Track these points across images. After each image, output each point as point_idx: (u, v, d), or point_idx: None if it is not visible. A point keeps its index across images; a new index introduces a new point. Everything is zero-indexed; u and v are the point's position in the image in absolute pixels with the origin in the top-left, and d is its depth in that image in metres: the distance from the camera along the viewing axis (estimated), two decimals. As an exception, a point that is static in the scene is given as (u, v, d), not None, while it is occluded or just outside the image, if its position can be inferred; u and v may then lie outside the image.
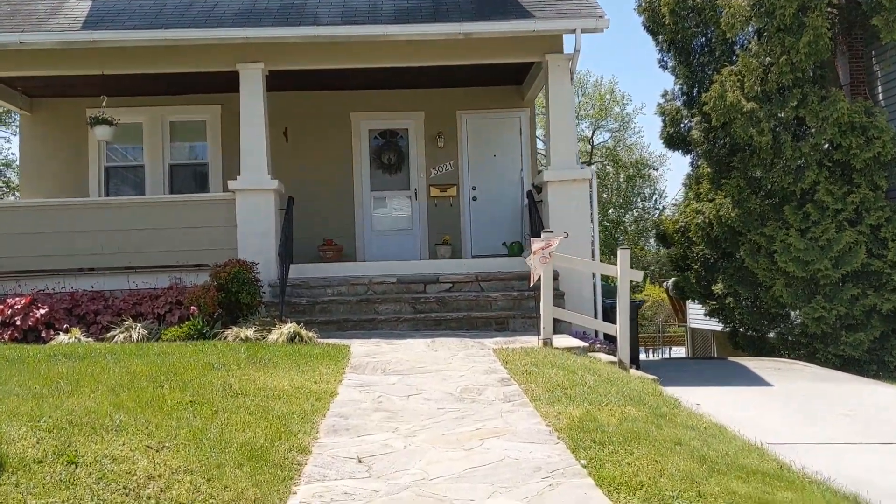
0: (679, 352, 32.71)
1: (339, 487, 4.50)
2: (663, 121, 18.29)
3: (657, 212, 43.36)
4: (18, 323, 10.21)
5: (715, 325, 19.51)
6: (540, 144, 24.91)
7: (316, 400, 6.36)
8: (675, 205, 26.85)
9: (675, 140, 18.15)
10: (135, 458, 4.51)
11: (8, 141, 39.28)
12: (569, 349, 9.22)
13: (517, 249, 13.75)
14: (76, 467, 4.30)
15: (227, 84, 12.83)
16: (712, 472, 4.63)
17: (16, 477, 4.11)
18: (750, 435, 6.11)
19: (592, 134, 43.67)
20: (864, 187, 13.41)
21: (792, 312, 14.75)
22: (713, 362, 16.14)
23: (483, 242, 14.84)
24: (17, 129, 16.44)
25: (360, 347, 9.22)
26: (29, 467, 4.24)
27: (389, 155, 15.17)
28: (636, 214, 44.43)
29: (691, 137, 16.94)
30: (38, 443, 4.61)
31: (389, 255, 14.18)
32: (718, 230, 15.44)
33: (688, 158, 18.82)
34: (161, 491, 4.13)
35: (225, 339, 9.61)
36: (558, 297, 10.97)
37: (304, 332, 9.58)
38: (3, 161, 36.25)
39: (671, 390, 7.79)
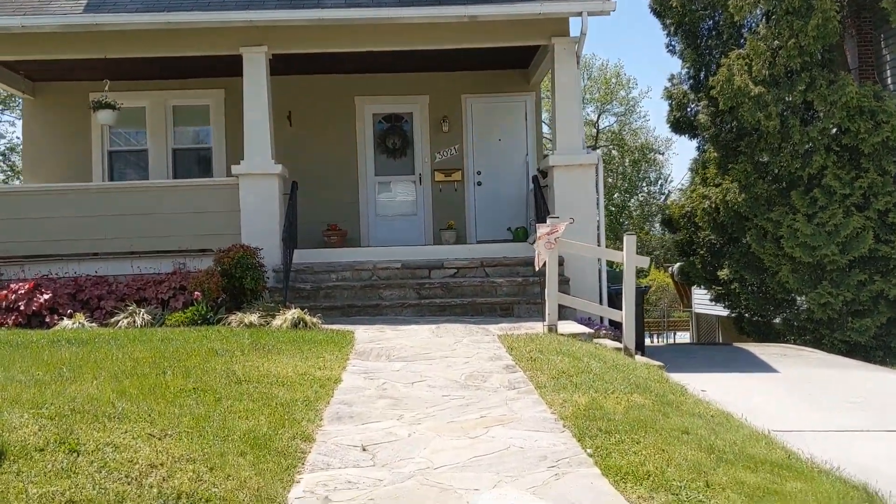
0: (683, 337, 32.69)
1: (342, 476, 4.46)
2: (670, 105, 18.15)
3: (662, 196, 43.24)
4: (22, 308, 10.20)
5: (720, 311, 19.44)
6: (545, 129, 24.74)
7: (320, 387, 6.32)
8: (681, 190, 26.73)
9: (681, 124, 18.01)
10: (137, 447, 4.47)
11: (12, 124, 39.28)
12: (574, 335, 9.17)
13: (522, 235, 13.66)
14: (78, 455, 4.26)
15: (230, 68, 12.75)
16: (720, 461, 4.58)
17: (17, 465, 4.07)
18: (757, 422, 6.05)
19: (598, 118, 43.48)
20: (872, 172, 13.29)
21: (798, 298, 14.68)
22: (719, 348, 16.08)
23: (488, 228, 14.76)
24: (21, 114, 16.34)
25: (364, 333, 9.18)
26: (30, 455, 4.21)
27: (394, 139, 15.08)
28: (641, 199, 44.30)
29: (698, 121, 16.80)
30: (39, 430, 4.57)
31: (394, 241, 14.11)
32: (725, 215, 15.34)
33: (694, 143, 18.75)
34: (163, 480, 4.09)
35: (229, 324, 9.59)
36: (563, 283, 10.91)
37: (308, 317, 9.55)
38: (8, 145, 36.23)
39: (677, 377, 7.74)
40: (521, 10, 11.84)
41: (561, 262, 10.96)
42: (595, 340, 9.35)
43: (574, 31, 12.25)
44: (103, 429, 4.71)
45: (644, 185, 44.58)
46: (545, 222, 9.66)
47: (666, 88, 18.36)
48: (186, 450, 4.51)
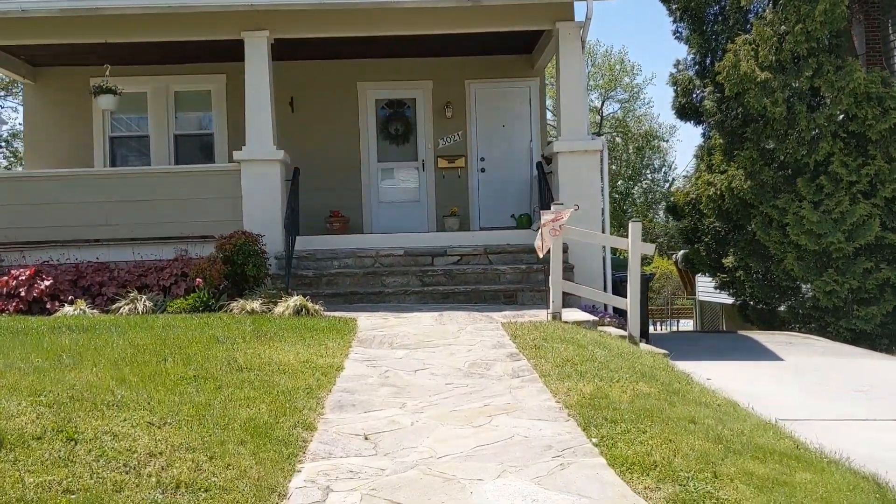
0: (687, 324, 32.62)
1: (344, 465, 4.40)
2: (675, 91, 18.01)
3: (666, 183, 43.10)
4: (23, 294, 10.14)
5: (724, 298, 19.37)
6: (549, 116, 24.61)
7: (322, 375, 6.26)
8: (686, 177, 26.63)
9: (687, 110, 17.88)
10: (136, 435, 4.41)
11: (15, 110, 39.18)
12: (578, 323, 9.10)
13: (526, 222, 13.58)
14: (75, 444, 4.20)
15: (232, 53, 12.62)
16: (728, 451, 4.51)
17: (14, 454, 4.01)
18: (763, 411, 5.98)
19: (602, 104, 43.27)
20: (879, 159, 13.19)
21: (803, 286, 14.60)
22: (723, 336, 16.01)
23: (491, 214, 14.66)
24: (22, 99, 16.25)
25: (366, 321, 9.11)
26: (27, 444, 4.15)
27: (397, 125, 14.97)
28: (645, 186, 44.13)
29: (704, 108, 16.66)
30: (37, 418, 4.52)
31: (397, 227, 14.02)
32: (730, 202, 15.24)
33: (700, 129, 18.65)
34: (162, 469, 4.03)
35: (230, 311, 9.52)
36: (567, 271, 10.82)
37: (310, 304, 9.48)
38: (11, 132, 36.15)
39: (682, 365, 7.66)
40: (525, -6, 11.70)
41: (565, 250, 10.86)
42: (599, 328, 9.28)
43: (579, 15, 12.13)
44: (102, 417, 4.65)
45: (648, 172, 44.42)
46: (549, 209, 9.57)
47: (671, 74, 18.22)
48: (186, 438, 4.45)
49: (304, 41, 12.85)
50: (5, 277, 10.31)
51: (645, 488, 4.03)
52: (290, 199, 11.82)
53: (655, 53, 65.80)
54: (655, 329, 29.86)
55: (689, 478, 4.09)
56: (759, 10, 15.20)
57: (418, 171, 14.90)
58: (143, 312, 9.62)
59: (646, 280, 12.44)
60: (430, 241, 12.36)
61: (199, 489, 3.87)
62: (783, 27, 13.45)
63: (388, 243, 12.15)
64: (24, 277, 10.26)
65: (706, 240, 17.17)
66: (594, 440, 4.70)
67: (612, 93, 43.87)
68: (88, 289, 10.50)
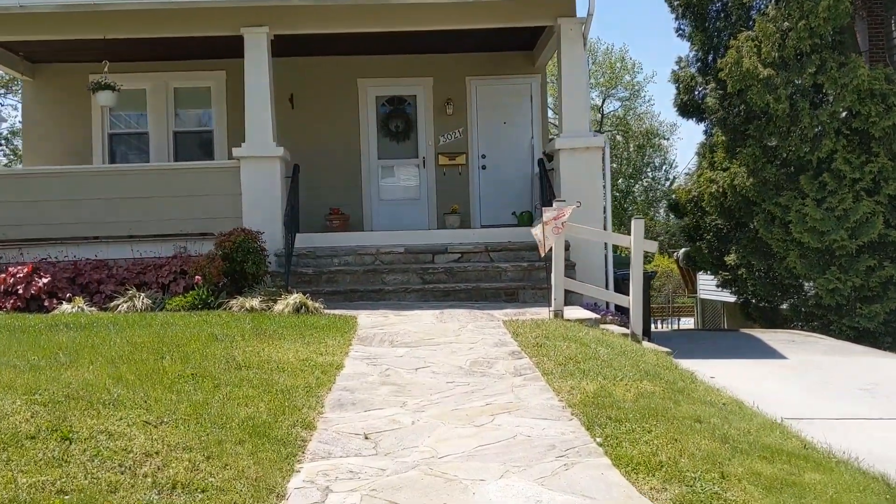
0: (688, 322, 32.55)
1: (344, 465, 4.32)
2: (677, 88, 17.89)
3: (667, 182, 43.03)
4: (21, 292, 10.07)
5: (725, 297, 19.29)
6: (551, 115, 24.52)
7: (321, 373, 6.18)
8: (687, 174, 26.54)
9: (689, 107, 17.76)
10: (132, 434, 4.33)
11: (16, 108, 39.10)
12: (580, 321, 9.02)
13: (527, 219, 13.50)
14: (70, 443, 4.13)
15: (232, 49, 12.54)
16: (735, 451, 4.43)
17: (7, 453, 3.94)
18: (768, 410, 5.91)
19: (602, 102, 43.18)
20: (882, 156, 13.09)
21: (806, 284, 14.50)
22: (726, 334, 15.92)
23: (492, 212, 14.58)
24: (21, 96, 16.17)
25: (367, 318, 9.04)
26: (21, 443, 4.08)
27: (397, 122, 14.89)
28: (646, 184, 44.05)
29: (706, 105, 16.55)
30: (32, 417, 4.45)
31: (397, 225, 13.94)
32: (732, 200, 15.14)
33: (701, 126, 18.42)
34: (158, 469, 3.96)
35: (230, 309, 9.45)
36: (569, 268, 10.75)
37: (310, 302, 9.41)
38: (11, 129, 36.07)
39: (685, 363, 7.60)
40: (526, -10, 11.63)
41: (567, 247, 10.79)
42: (602, 326, 9.20)
43: (581, 11, 12.03)
44: (98, 416, 4.58)
45: (648, 170, 44.35)
46: (551, 206, 9.49)
47: (673, 71, 18.09)
48: (183, 438, 4.38)
49: (305, 37, 12.77)
50: (3, 275, 10.24)
51: (651, 489, 3.95)
52: (290, 196, 11.74)
53: (656, 51, 65.72)
54: (657, 327, 29.80)
55: (695, 478, 4.01)
56: (762, 6, 15.09)
57: (419, 168, 14.82)
58: (141, 310, 9.55)
59: (648, 278, 12.39)
60: (431, 238, 12.29)
61: (196, 490, 3.80)
62: (786, 23, 13.35)
63: (388, 241, 12.08)
64: (21, 275, 10.19)
65: (708, 237, 17.07)
66: (598, 440, 4.63)
67: (613, 91, 43.79)
68: (87, 286, 10.43)
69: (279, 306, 9.32)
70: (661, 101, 63.63)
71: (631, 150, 43.49)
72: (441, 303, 10.57)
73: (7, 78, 31.97)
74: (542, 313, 9.33)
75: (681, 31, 17.57)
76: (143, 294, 9.90)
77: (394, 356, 7.08)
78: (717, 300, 22.49)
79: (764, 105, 13.49)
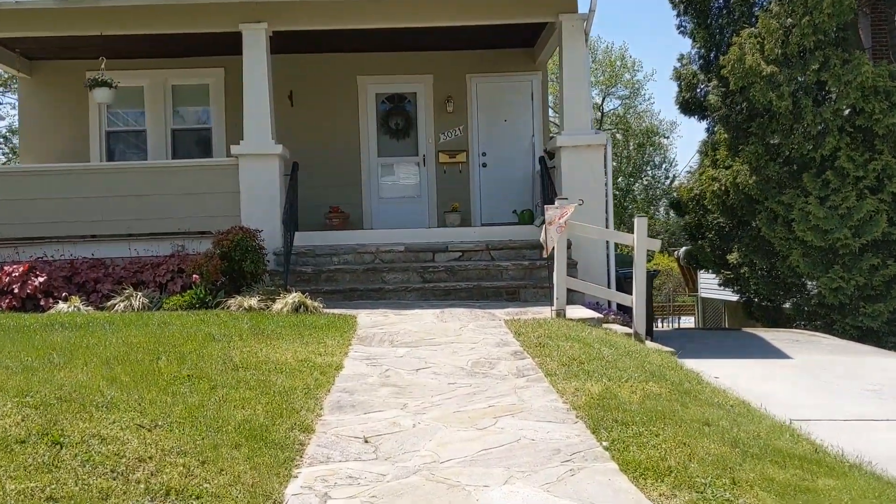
0: (688, 321, 32.44)
1: (343, 470, 4.20)
2: (679, 85, 17.78)
3: (667, 180, 42.91)
4: (16, 291, 9.96)
5: (726, 295, 19.18)
6: (551, 113, 24.37)
7: (320, 374, 6.06)
8: (689, 172, 26.40)
9: (691, 105, 17.66)
10: (125, 438, 4.21)
11: (14, 107, 38.94)
12: (583, 320, 8.90)
13: (528, 217, 13.38)
14: (61, 448, 4.01)
15: (230, 46, 12.41)
16: (745, 456, 4.30)
17: (-5, 458, 3.82)
18: (775, 411, 5.80)
19: (602, 101, 43.03)
20: (886, 154, 13.00)
21: (809, 282, 14.40)
22: (728, 333, 15.80)
23: (493, 210, 14.46)
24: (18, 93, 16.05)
25: (366, 318, 8.92)
26: (10, 448, 3.96)
27: (397, 120, 14.76)
28: (646, 182, 43.92)
29: (708, 102, 16.45)
30: (22, 420, 4.33)
31: (397, 223, 13.81)
32: (735, 198, 15.03)
33: (704, 124, 18.33)
34: (151, 475, 3.83)
35: (228, 308, 9.33)
36: (571, 267, 10.62)
37: (309, 301, 9.29)
38: (9, 128, 35.94)
39: (689, 363, 7.47)
40: (528, -15, 11.50)
41: (569, 246, 10.67)
42: (604, 325, 9.08)
43: (583, 7, 11.90)
44: (90, 419, 4.45)
45: (648, 168, 44.22)
46: (553, 204, 9.36)
47: (675, 69, 17.99)
48: (177, 442, 4.25)
49: (304, 34, 12.64)
50: (-2, 274, 10.12)
51: (660, 496, 3.82)
52: (289, 194, 11.62)
53: (656, 48, 65.56)
54: (657, 326, 29.66)
55: (706, 484, 3.88)
56: (765, 2, 14.98)
57: (419, 166, 14.70)
58: (138, 309, 9.43)
59: (650, 277, 12.27)
60: (431, 236, 12.17)
61: (190, 496, 3.67)
62: (790, 20, 13.24)
63: (388, 239, 11.97)
64: (17, 274, 10.07)
65: (710, 236, 16.97)
66: (605, 444, 4.50)
67: (613, 89, 43.65)
68: (83, 285, 10.32)
69: (278, 305, 9.20)
70: (661, 99, 63.44)
71: (631, 148, 43.37)
72: (442, 302, 10.45)
73: (6, 76, 31.82)
74: (544, 312, 9.21)
75: (682, 28, 17.47)
76: (140, 293, 9.77)
77: (394, 356, 6.96)
78: (719, 299, 22.38)
79: (767, 102, 13.39)
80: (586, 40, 12.05)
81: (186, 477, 3.85)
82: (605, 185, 11.99)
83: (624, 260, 12.84)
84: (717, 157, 16.35)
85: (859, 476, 4.26)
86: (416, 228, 13.04)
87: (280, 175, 11.76)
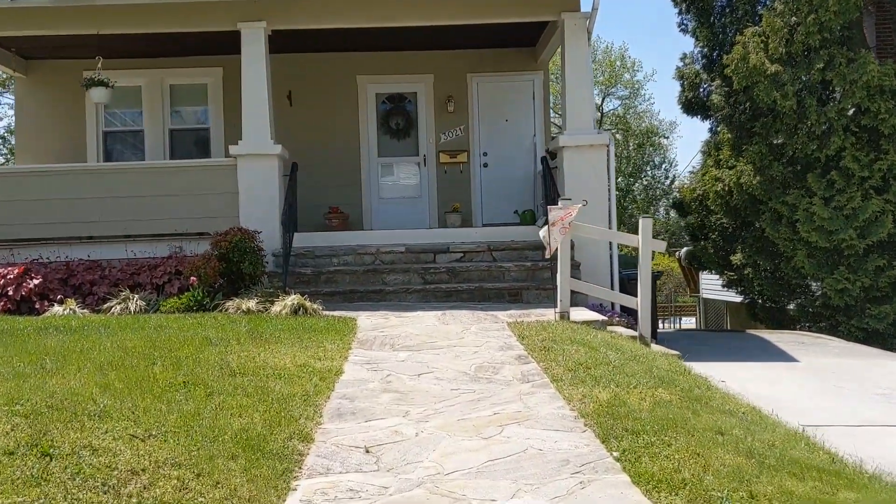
0: (689, 322, 32.31)
1: (344, 483, 4.04)
2: (682, 85, 17.62)
3: (667, 180, 42.77)
4: (11, 293, 9.81)
5: (728, 296, 19.03)
6: (552, 113, 24.22)
7: (320, 379, 5.90)
8: (691, 172, 26.27)
9: (693, 105, 17.49)
10: (117, 450, 4.05)
11: (12, 107, 38.76)
12: (587, 323, 8.74)
13: (530, 218, 13.23)
14: (51, 460, 3.85)
15: (229, 46, 12.26)
16: (762, 467, 4.14)
17: (-18, 472, 3.66)
18: (785, 417, 5.65)
19: (602, 101, 42.87)
20: (892, 154, 12.84)
21: (813, 284, 14.25)
22: (732, 335, 15.65)
23: (495, 211, 14.31)
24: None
25: (367, 320, 8.76)
26: (-2, 460, 3.80)
27: (397, 120, 14.61)
28: (646, 183, 43.77)
29: (711, 102, 16.28)
30: (11, 430, 4.17)
31: (397, 224, 13.66)
32: (738, 198, 14.88)
33: (706, 124, 18.17)
34: (144, 488, 3.68)
35: (226, 310, 9.19)
36: (574, 268, 10.43)
37: (308, 303, 9.14)
38: (7, 129, 35.77)
39: (696, 367, 7.31)
40: (530, -17, 11.35)
41: (572, 247, 10.50)
42: (609, 328, 8.93)
43: (585, 5, 11.75)
44: (82, 429, 4.30)
45: (648, 168, 44.08)
46: (556, 205, 9.21)
47: (678, 68, 17.82)
48: (172, 453, 4.09)
49: (303, 33, 12.50)
50: (-7, 276, 9.96)
51: (675, 510, 3.67)
52: (288, 194, 11.47)
53: (656, 48, 65.40)
54: (661, 327, 29.55)
55: (722, 498, 3.72)
56: (769, 1, 14.82)
57: (419, 166, 14.55)
58: (135, 312, 9.28)
59: (654, 278, 12.11)
60: (432, 237, 12.03)
61: (185, 511, 3.52)
62: (794, 18, 13.08)
63: (388, 240, 11.83)
64: (12, 276, 9.92)
65: (713, 236, 16.81)
66: (615, 454, 4.34)
67: (613, 89, 43.49)
68: (79, 288, 10.16)
69: (276, 308, 9.05)
70: (661, 99, 63.29)
71: (631, 148, 43.21)
72: (443, 303, 10.30)
73: (3, 76, 31.64)
74: (548, 314, 9.06)
75: (684, 27, 17.31)
76: (136, 295, 9.62)
77: (395, 361, 6.80)
78: (720, 300, 22.22)
79: (771, 102, 13.23)
80: (589, 39, 11.90)
81: (180, 490, 3.69)
82: (608, 185, 11.84)
83: (626, 261, 12.70)
84: (721, 157, 16.20)
85: (880, 488, 4.10)
86: (416, 229, 12.91)
87: (279, 175, 11.62)
